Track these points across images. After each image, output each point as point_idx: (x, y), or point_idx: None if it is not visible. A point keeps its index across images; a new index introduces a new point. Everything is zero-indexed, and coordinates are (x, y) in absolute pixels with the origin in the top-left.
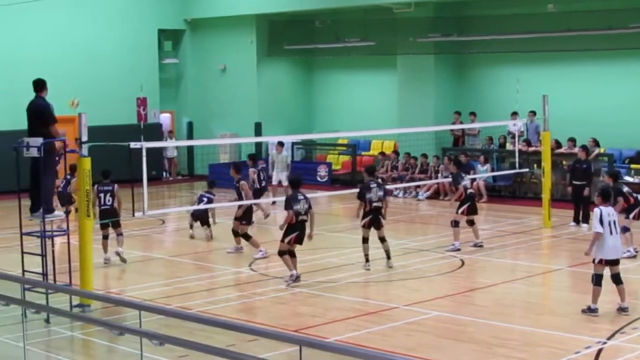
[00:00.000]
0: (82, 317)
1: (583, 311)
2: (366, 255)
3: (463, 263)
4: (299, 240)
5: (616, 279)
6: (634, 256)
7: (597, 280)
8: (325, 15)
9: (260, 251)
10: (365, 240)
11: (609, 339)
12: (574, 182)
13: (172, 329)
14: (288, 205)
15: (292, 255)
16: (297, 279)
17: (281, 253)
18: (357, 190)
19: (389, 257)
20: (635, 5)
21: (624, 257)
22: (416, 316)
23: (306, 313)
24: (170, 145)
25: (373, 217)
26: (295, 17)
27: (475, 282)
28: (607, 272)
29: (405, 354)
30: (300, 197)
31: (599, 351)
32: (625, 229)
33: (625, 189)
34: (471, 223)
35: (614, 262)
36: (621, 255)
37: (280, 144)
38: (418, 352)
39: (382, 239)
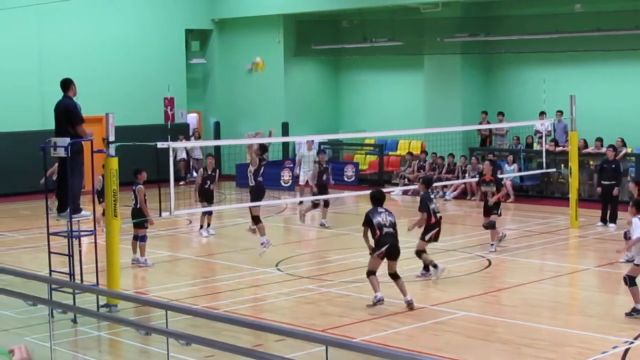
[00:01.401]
0: (109, 317)
1: (628, 314)
2: (431, 262)
3: (490, 263)
4: (389, 254)
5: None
6: None
7: (632, 281)
8: (352, 15)
9: (262, 244)
10: (422, 253)
11: (635, 338)
12: (603, 182)
13: (198, 329)
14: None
15: (395, 277)
16: (378, 302)
17: (369, 273)
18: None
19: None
20: None
21: None
22: (443, 316)
23: (333, 313)
24: (189, 145)
25: (439, 230)
26: (322, 17)
27: (503, 282)
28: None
29: (433, 354)
30: (381, 210)
31: (626, 351)
32: None
33: None
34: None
35: None
36: None
37: (311, 141)
38: (445, 352)
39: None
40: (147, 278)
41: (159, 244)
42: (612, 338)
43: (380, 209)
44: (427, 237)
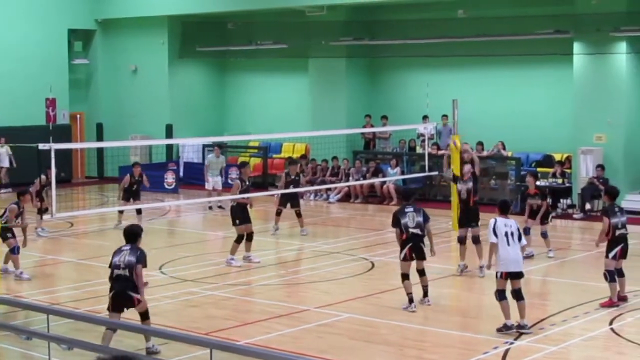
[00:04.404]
0: None
1: (499, 330)
2: (409, 295)
3: (373, 265)
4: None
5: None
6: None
7: (502, 295)
8: (238, 17)
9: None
10: (406, 276)
11: (516, 339)
12: None
13: (81, 333)
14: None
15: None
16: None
17: None
18: (270, 193)
19: (425, 294)
20: (542, 13)
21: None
22: (328, 318)
23: (218, 316)
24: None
25: (413, 247)
26: (207, 18)
27: (386, 283)
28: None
29: (317, 356)
30: (125, 248)
31: (507, 351)
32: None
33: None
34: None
35: None
36: None
37: (219, 147)
38: (330, 354)
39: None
40: (28, 282)
41: (40, 247)
42: (493, 338)
43: (124, 247)
44: (401, 256)
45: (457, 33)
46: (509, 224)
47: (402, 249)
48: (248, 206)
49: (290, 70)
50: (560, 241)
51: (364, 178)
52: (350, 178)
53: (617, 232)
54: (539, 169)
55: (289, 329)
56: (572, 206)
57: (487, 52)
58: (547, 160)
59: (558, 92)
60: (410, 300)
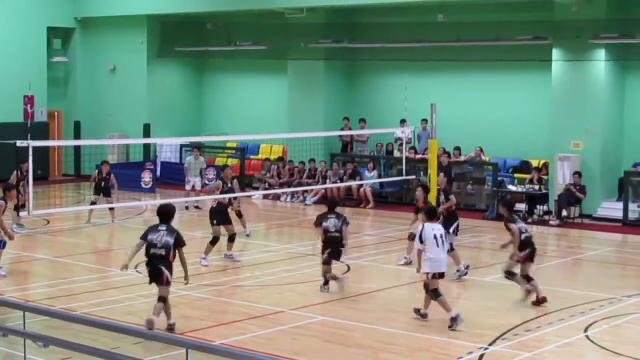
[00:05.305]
0: None
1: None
2: (325, 276)
3: (349, 268)
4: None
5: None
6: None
7: (435, 292)
8: (217, 17)
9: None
10: (326, 273)
11: (490, 344)
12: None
13: (56, 330)
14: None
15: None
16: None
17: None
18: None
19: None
20: (521, 19)
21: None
22: (302, 320)
23: (192, 316)
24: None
25: (332, 250)
26: (187, 18)
27: (361, 287)
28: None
29: (291, 357)
30: (161, 228)
31: (481, 356)
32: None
33: None
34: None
35: None
36: None
37: (198, 149)
38: (304, 356)
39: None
40: (3, 278)
41: (15, 244)
42: (467, 344)
43: (161, 227)
44: (322, 258)
45: (436, 37)
46: (436, 227)
47: (323, 251)
48: (230, 208)
49: (268, 72)
50: (536, 247)
51: (341, 181)
52: (327, 180)
53: (523, 236)
54: (515, 175)
55: (264, 330)
56: (548, 212)
57: (466, 57)
58: (524, 166)
59: (536, 98)
60: (326, 282)
